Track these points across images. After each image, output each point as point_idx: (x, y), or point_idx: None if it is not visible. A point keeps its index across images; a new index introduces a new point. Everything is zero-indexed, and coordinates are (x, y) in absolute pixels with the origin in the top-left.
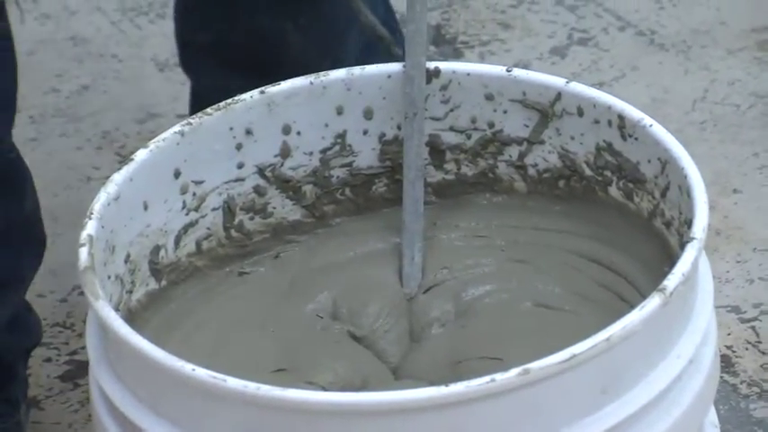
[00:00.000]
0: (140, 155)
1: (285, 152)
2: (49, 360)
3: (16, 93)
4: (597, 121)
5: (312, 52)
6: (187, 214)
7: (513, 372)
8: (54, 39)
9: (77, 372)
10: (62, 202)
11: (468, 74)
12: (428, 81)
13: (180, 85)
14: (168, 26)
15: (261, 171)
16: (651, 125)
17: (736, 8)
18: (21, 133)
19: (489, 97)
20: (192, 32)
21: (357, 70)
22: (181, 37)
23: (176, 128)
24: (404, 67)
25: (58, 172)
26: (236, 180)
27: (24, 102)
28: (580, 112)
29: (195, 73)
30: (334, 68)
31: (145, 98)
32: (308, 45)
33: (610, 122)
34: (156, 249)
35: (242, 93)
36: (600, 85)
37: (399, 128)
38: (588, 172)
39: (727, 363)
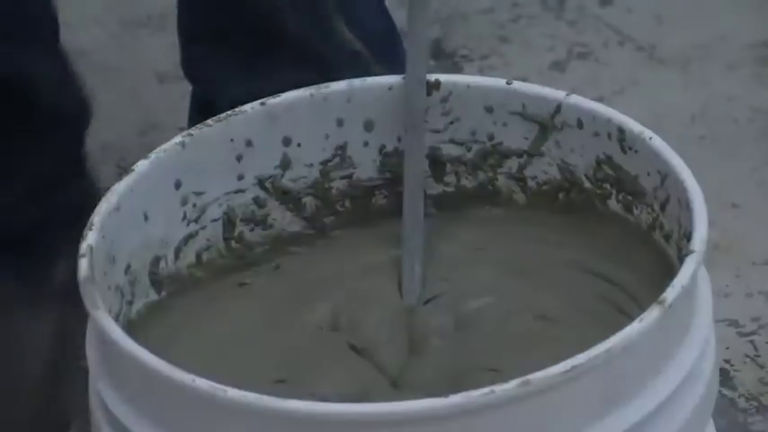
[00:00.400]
0: (141, 166)
1: (285, 164)
2: None
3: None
4: (597, 134)
5: (304, 27)
6: (187, 225)
7: (513, 383)
8: None
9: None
10: None
11: (468, 86)
12: (428, 93)
13: (180, 98)
14: (168, 38)
15: (261, 182)
16: (651, 138)
17: (736, 24)
18: None
19: (489, 109)
20: (196, 24)
21: (357, 82)
22: (184, 33)
23: (177, 139)
24: (404, 79)
25: None
26: (237, 191)
27: None
28: (580, 125)
29: (197, 73)
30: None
31: (145, 110)
32: (299, 23)
33: (610, 135)
34: (157, 260)
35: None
36: (599, 100)
37: (400, 140)
38: (588, 184)
39: (725, 376)
